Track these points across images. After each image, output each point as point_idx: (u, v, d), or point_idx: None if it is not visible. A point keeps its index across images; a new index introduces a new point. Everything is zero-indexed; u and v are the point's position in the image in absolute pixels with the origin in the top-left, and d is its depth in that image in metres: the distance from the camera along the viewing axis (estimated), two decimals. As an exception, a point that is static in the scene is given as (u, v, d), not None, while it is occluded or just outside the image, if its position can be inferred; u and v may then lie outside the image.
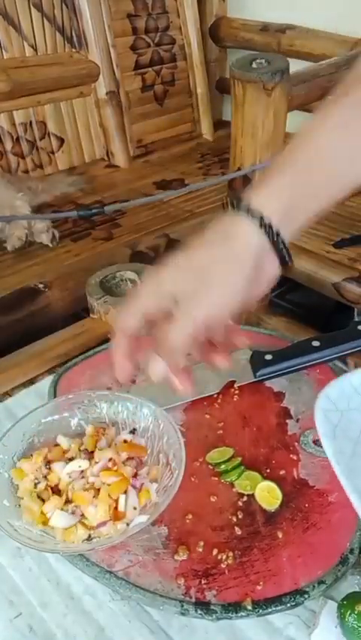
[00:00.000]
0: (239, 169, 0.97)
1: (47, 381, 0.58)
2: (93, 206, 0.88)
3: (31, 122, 1.26)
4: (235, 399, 0.53)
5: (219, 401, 0.53)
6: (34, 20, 1.22)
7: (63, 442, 0.41)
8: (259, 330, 0.64)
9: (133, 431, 0.42)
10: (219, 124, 1.61)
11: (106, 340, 0.64)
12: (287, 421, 0.51)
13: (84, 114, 1.35)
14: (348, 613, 0.35)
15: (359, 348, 0.55)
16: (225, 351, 0.38)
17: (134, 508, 0.38)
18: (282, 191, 0.35)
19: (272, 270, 0.36)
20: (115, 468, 0.38)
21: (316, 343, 0.55)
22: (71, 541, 0.37)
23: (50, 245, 1.05)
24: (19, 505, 0.38)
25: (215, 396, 0.53)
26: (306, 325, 1.05)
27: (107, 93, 1.35)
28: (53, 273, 0.97)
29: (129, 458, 0.40)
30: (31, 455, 0.40)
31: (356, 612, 0.35)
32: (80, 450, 0.40)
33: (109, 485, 0.37)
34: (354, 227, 1.07)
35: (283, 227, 0.35)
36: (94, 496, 0.37)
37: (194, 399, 0.52)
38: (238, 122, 0.93)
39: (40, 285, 0.93)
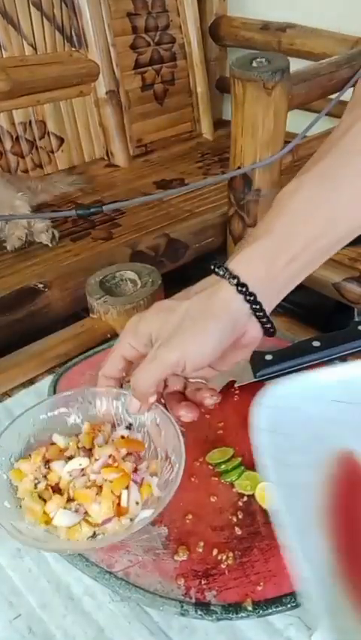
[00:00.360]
0: (239, 168, 0.97)
1: (46, 382, 0.58)
2: (92, 205, 0.87)
3: (30, 122, 1.26)
4: (235, 399, 0.53)
5: (219, 401, 0.53)
6: (34, 19, 1.22)
7: (59, 440, 0.41)
8: (259, 330, 0.64)
9: (129, 426, 0.42)
10: (220, 123, 1.61)
11: (106, 340, 0.64)
12: (287, 421, 0.51)
13: (84, 113, 1.35)
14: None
15: (359, 349, 0.55)
16: (194, 407, 0.39)
17: (137, 503, 0.38)
18: (260, 261, 0.36)
19: (255, 334, 0.38)
20: (115, 464, 0.38)
21: (316, 343, 0.55)
22: (76, 539, 0.36)
23: (50, 245, 1.05)
24: (20, 507, 0.38)
25: None
26: (306, 325, 1.05)
27: (106, 92, 1.35)
28: (53, 273, 0.97)
29: (128, 454, 0.40)
30: (30, 455, 0.40)
31: (356, 613, 0.35)
32: (78, 448, 0.40)
33: (111, 482, 0.37)
34: (354, 226, 1.07)
35: (264, 297, 0.36)
36: (97, 494, 0.37)
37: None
38: (238, 122, 0.93)
39: (40, 285, 0.93)
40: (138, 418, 0.42)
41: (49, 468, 0.39)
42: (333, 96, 1.02)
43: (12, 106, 1.22)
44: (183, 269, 1.09)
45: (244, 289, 0.35)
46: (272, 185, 0.97)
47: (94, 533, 0.37)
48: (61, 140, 1.32)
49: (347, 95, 1.21)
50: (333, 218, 0.35)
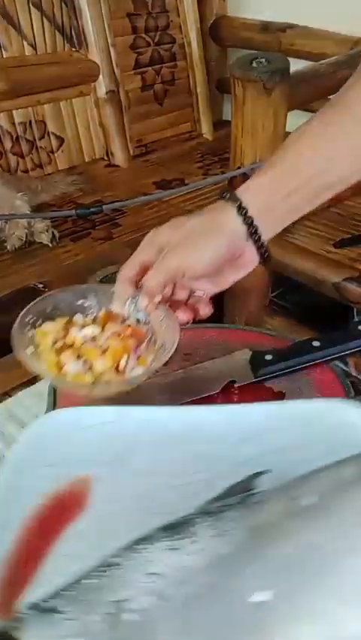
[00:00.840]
0: (239, 168, 0.97)
1: (46, 381, 0.58)
2: (92, 205, 0.87)
3: (30, 122, 1.26)
4: (234, 399, 0.53)
5: (219, 401, 0.53)
6: (34, 19, 1.22)
7: (79, 318, 0.48)
8: (259, 330, 0.64)
9: (137, 322, 0.48)
10: (220, 123, 1.61)
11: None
12: (287, 421, 0.51)
13: (84, 113, 1.35)
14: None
15: (359, 348, 0.55)
16: (189, 312, 0.47)
17: (132, 370, 0.45)
18: (261, 191, 0.41)
19: (251, 257, 0.44)
20: (122, 337, 0.46)
21: (316, 343, 0.55)
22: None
23: (50, 245, 1.05)
24: (38, 355, 0.45)
25: (215, 396, 0.53)
26: (306, 325, 1.05)
27: (106, 92, 1.35)
28: (53, 272, 0.97)
29: (132, 337, 0.46)
30: (54, 319, 0.47)
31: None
32: (93, 322, 0.48)
33: (114, 348, 0.44)
34: (354, 227, 1.07)
35: (262, 223, 0.41)
36: (102, 353, 0.44)
37: (193, 399, 0.52)
38: (238, 122, 0.93)
39: (40, 285, 0.93)
40: (146, 315, 0.47)
41: (67, 332, 0.46)
42: (333, 96, 1.02)
43: (12, 106, 1.22)
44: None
45: (243, 212, 0.41)
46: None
47: (94, 382, 0.43)
48: (61, 140, 1.32)
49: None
50: (333, 159, 0.40)
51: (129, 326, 0.47)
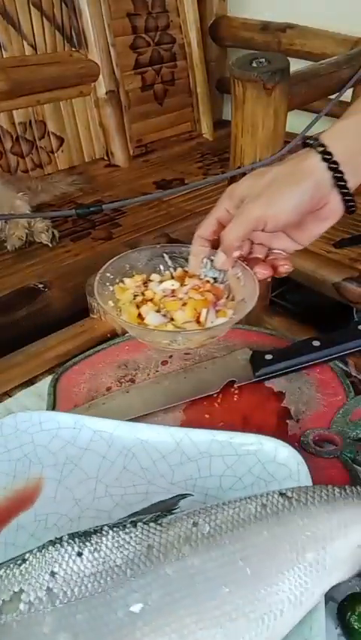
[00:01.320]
0: (239, 168, 0.97)
1: (46, 381, 0.58)
2: (92, 205, 0.87)
3: (30, 122, 1.26)
4: (235, 399, 0.53)
5: (219, 401, 0.53)
6: (34, 19, 1.22)
7: (155, 277, 0.49)
8: (259, 330, 0.64)
9: (215, 280, 0.48)
10: (220, 123, 1.61)
11: (106, 340, 0.64)
12: (287, 421, 0.51)
13: (84, 113, 1.35)
14: (349, 614, 0.35)
15: (359, 348, 0.55)
16: (268, 267, 0.44)
17: (212, 323, 0.45)
18: (347, 135, 0.40)
19: (335, 207, 0.41)
20: (201, 291, 0.46)
21: (316, 343, 0.55)
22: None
23: (50, 245, 1.05)
24: (120, 310, 0.46)
25: (215, 396, 0.53)
26: (306, 325, 1.05)
27: (106, 92, 1.35)
28: (53, 272, 0.97)
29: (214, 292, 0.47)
30: (133, 275, 0.49)
31: (356, 613, 0.35)
32: (172, 277, 0.48)
33: (195, 300, 0.45)
34: (354, 227, 1.07)
35: (348, 169, 0.39)
36: (182, 305, 0.45)
37: (193, 399, 0.52)
38: (238, 122, 0.93)
39: (40, 285, 0.93)
40: (222, 273, 0.47)
41: (146, 287, 0.47)
42: (333, 96, 1.02)
43: (12, 106, 1.22)
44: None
45: (328, 157, 0.38)
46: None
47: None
48: (61, 140, 1.32)
49: (346, 95, 1.21)
50: None
51: (208, 281, 0.47)
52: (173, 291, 0.46)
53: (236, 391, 0.53)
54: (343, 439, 0.48)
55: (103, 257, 1.01)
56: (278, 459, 0.41)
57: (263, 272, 0.44)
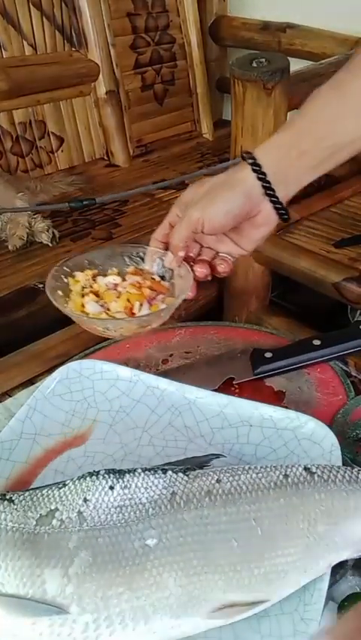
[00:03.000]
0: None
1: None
2: (85, 198, 0.87)
3: (30, 122, 1.25)
4: (234, 395, 0.53)
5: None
6: (34, 19, 1.22)
7: (112, 272, 0.53)
8: (259, 329, 0.64)
9: (162, 277, 0.52)
10: (220, 123, 1.61)
11: (105, 339, 0.64)
12: (287, 420, 0.51)
13: (84, 113, 1.35)
14: (349, 613, 0.35)
15: (359, 348, 0.55)
16: (207, 266, 0.49)
17: None
18: (277, 149, 0.44)
19: (268, 215, 0.45)
20: (140, 287, 0.50)
21: (316, 342, 0.55)
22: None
23: (50, 244, 1.05)
24: (68, 299, 0.50)
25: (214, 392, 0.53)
26: (306, 325, 1.05)
27: (106, 92, 1.34)
28: (53, 272, 0.97)
29: (153, 290, 0.50)
30: (85, 270, 0.53)
31: (356, 613, 0.35)
32: (119, 275, 0.53)
33: (129, 293, 0.49)
34: (354, 226, 1.07)
35: (277, 180, 0.43)
36: (117, 297, 0.49)
37: None
38: (238, 122, 0.93)
39: (40, 285, 0.92)
40: (169, 272, 0.51)
41: (95, 281, 0.51)
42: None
43: (12, 106, 1.22)
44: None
45: (257, 169, 0.43)
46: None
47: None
48: (61, 140, 1.32)
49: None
50: (341, 120, 0.42)
51: (153, 279, 0.51)
52: (115, 285, 0.51)
53: (236, 390, 0.53)
54: (343, 438, 0.48)
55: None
56: (314, 437, 0.44)
57: (202, 271, 0.49)
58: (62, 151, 1.32)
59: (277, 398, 0.53)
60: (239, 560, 0.32)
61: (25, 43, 1.22)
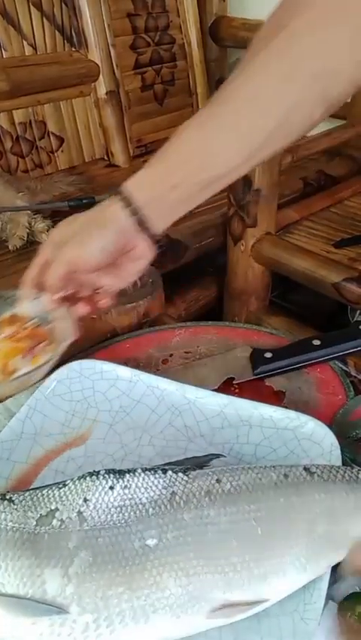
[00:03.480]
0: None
1: (46, 381, 0.58)
2: (84, 196, 0.86)
3: (30, 122, 1.26)
4: (234, 396, 0.53)
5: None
6: (34, 19, 1.22)
7: None
8: (259, 328, 0.64)
9: (41, 321, 0.50)
10: (219, 123, 1.61)
11: (105, 339, 0.64)
12: (287, 420, 0.51)
13: (84, 113, 1.35)
14: (348, 614, 0.35)
15: (359, 348, 0.55)
16: (90, 304, 0.48)
17: (22, 371, 0.47)
18: (149, 183, 0.45)
19: (145, 248, 0.45)
20: (16, 339, 0.48)
21: (316, 342, 0.55)
22: None
23: (50, 244, 1.05)
24: None
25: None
26: (306, 325, 1.05)
27: (106, 92, 1.35)
28: (53, 272, 0.97)
29: (33, 338, 0.48)
30: None
31: (356, 613, 0.35)
32: None
33: (3, 350, 0.47)
34: (354, 227, 1.07)
35: (151, 214, 0.43)
36: None
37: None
38: (238, 122, 0.92)
39: (40, 285, 0.92)
40: (48, 314, 0.49)
41: None
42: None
43: (12, 106, 1.22)
44: (183, 269, 1.09)
45: (128, 205, 0.43)
46: (272, 185, 0.97)
47: None
48: (61, 140, 1.32)
49: (346, 95, 1.21)
50: (216, 152, 0.41)
51: (27, 328, 0.48)
52: None
53: (236, 390, 0.54)
54: (343, 438, 0.48)
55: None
56: (314, 437, 0.44)
57: (83, 309, 0.47)
58: (62, 151, 1.32)
59: (277, 398, 0.53)
60: (239, 560, 0.32)
61: (25, 43, 1.22)
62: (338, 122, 1.24)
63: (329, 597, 0.38)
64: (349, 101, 1.22)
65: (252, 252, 1.03)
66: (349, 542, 0.34)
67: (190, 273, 1.16)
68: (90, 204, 0.73)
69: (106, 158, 1.40)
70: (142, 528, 0.33)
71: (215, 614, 0.32)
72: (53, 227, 1.06)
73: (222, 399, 0.48)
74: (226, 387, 0.54)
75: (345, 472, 0.37)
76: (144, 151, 1.45)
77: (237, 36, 1.51)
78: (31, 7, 1.21)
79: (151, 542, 0.33)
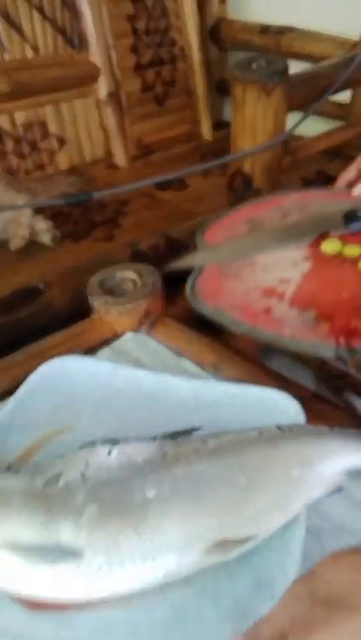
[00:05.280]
0: (239, 168, 0.98)
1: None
2: (81, 193, 0.87)
3: (31, 123, 1.26)
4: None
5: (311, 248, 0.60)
6: (36, 22, 1.23)
7: None
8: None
9: None
10: (220, 125, 1.62)
11: (106, 340, 0.64)
12: None
13: (85, 115, 1.35)
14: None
15: None
16: None
17: None
18: None
19: None
20: None
21: None
22: None
23: (51, 245, 1.05)
24: None
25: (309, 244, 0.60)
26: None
27: (107, 94, 1.35)
28: (54, 272, 0.97)
29: None
30: None
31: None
32: None
33: None
34: (354, 227, 1.07)
35: None
36: None
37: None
38: (238, 123, 0.93)
39: (41, 285, 0.93)
40: None
41: None
42: (336, 97, 1.02)
43: (13, 107, 1.22)
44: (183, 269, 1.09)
45: None
46: (272, 185, 0.97)
47: None
48: (62, 141, 1.33)
49: (345, 96, 1.21)
50: None
51: None
52: None
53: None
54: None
55: (104, 257, 1.02)
56: (279, 406, 0.48)
57: None
58: (63, 152, 1.33)
59: None
60: (228, 505, 0.38)
61: (26, 45, 1.23)
62: (337, 122, 1.25)
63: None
64: (349, 101, 1.23)
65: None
66: (323, 482, 0.40)
67: (190, 272, 1.17)
68: (86, 200, 0.73)
69: (106, 158, 1.41)
70: (141, 483, 0.38)
71: (213, 550, 0.36)
72: (53, 227, 1.07)
73: (195, 383, 0.52)
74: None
75: (313, 428, 0.43)
76: (144, 152, 1.45)
77: (237, 38, 1.51)
78: (33, 9, 1.22)
79: (150, 494, 0.37)
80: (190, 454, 0.39)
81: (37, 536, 0.35)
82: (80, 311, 0.69)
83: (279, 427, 0.42)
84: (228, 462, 0.39)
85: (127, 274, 0.69)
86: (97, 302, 0.65)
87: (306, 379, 0.72)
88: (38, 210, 1.13)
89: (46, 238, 1.05)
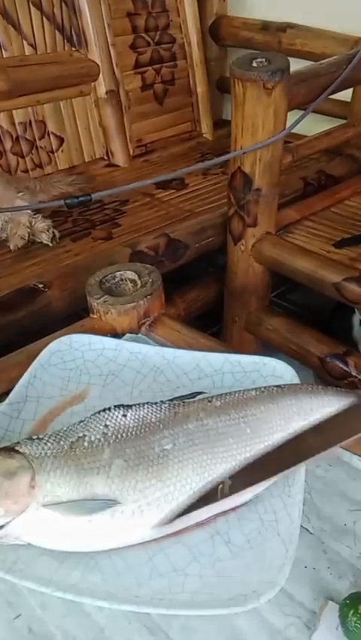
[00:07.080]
0: (239, 168, 0.97)
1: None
2: (81, 195, 0.86)
3: (30, 122, 1.25)
4: None
5: None
6: (34, 19, 1.22)
7: None
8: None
9: None
10: (220, 123, 1.61)
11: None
12: None
13: (84, 113, 1.35)
14: (350, 613, 0.35)
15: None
16: None
17: None
18: None
19: None
20: None
21: None
22: None
23: (50, 244, 1.05)
24: None
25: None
26: (306, 325, 1.05)
27: (106, 92, 1.35)
28: (53, 272, 0.97)
29: None
30: None
31: (358, 613, 0.35)
32: None
33: None
34: (354, 227, 1.07)
35: None
36: None
37: None
38: (238, 121, 0.92)
39: (40, 285, 0.92)
40: None
41: None
42: (337, 95, 1.02)
43: (12, 106, 1.22)
44: (183, 269, 1.09)
45: None
46: (272, 185, 0.97)
47: None
48: (61, 140, 1.32)
49: (347, 94, 1.21)
50: None
51: None
52: None
53: None
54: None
55: (103, 257, 1.01)
56: (277, 373, 0.52)
57: None
58: (62, 151, 1.32)
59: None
60: (236, 452, 0.42)
61: (25, 43, 1.22)
62: (338, 121, 1.24)
63: (329, 597, 0.38)
64: (349, 100, 1.22)
65: (252, 252, 1.03)
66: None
67: (190, 272, 1.16)
68: (86, 202, 0.72)
69: (106, 157, 1.41)
70: (158, 438, 0.42)
71: (225, 496, 0.40)
72: (53, 226, 1.07)
73: (197, 355, 0.56)
74: None
75: (307, 386, 0.47)
76: (144, 151, 1.45)
77: (237, 36, 1.51)
78: (32, 7, 1.21)
79: (168, 446, 0.42)
80: (199, 412, 0.44)
81: (74, 492, 0.39)
82: (80, 311, 0.69)
83: (278, 385, 0.47)
84: (233, 416, 0.44)
85: (126, 274, 0.69)
86: (96, 302, 0.65)
87: (306, 379, 0.72)
88: (36, 210, 1.12)
89: (45, 237, 1.04)
